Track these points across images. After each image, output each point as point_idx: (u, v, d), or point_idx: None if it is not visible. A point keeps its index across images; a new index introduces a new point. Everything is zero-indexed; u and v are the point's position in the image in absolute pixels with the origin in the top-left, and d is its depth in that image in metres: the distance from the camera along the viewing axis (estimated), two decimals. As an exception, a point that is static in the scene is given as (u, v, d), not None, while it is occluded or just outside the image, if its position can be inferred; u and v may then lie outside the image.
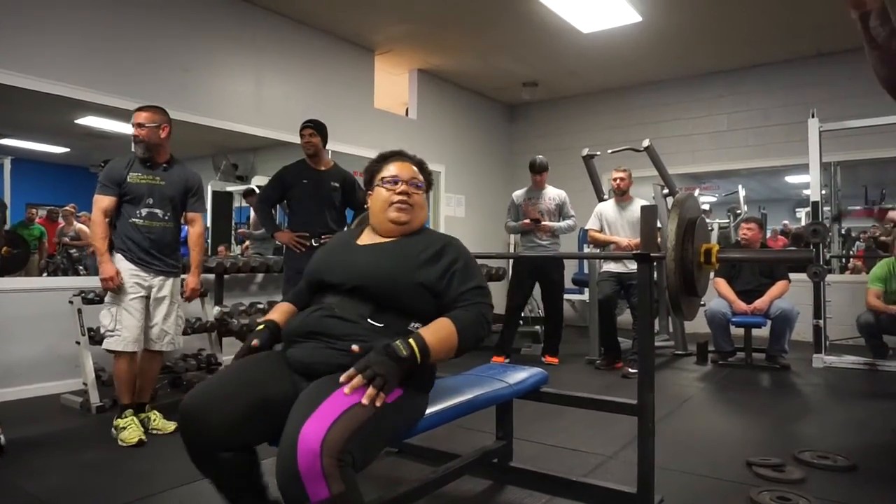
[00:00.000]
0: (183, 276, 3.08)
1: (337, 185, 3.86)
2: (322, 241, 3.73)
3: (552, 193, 4.88)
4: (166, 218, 2.94)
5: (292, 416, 1.25)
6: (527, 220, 4.76)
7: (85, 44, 3.98)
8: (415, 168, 1.73)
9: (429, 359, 1.40)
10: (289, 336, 1.57)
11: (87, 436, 2.88)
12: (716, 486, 2.25)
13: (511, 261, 5.98)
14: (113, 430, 2.78)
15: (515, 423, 2.30)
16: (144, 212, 2.87)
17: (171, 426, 2.89)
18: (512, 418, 2.28)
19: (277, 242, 4.22)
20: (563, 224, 4.81)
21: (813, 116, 4.81)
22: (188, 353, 3.85)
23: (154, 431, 2.87)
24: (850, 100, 5.74)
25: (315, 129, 3.79)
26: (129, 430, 2.73)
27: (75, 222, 5.24)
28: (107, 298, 2.87)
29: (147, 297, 2.90)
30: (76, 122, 4.39)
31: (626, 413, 1.95)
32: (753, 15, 5.25)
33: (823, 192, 5.05)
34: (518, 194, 4.97)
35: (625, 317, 4.99)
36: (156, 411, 2.99)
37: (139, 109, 2.90)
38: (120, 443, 2.70)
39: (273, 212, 4.07)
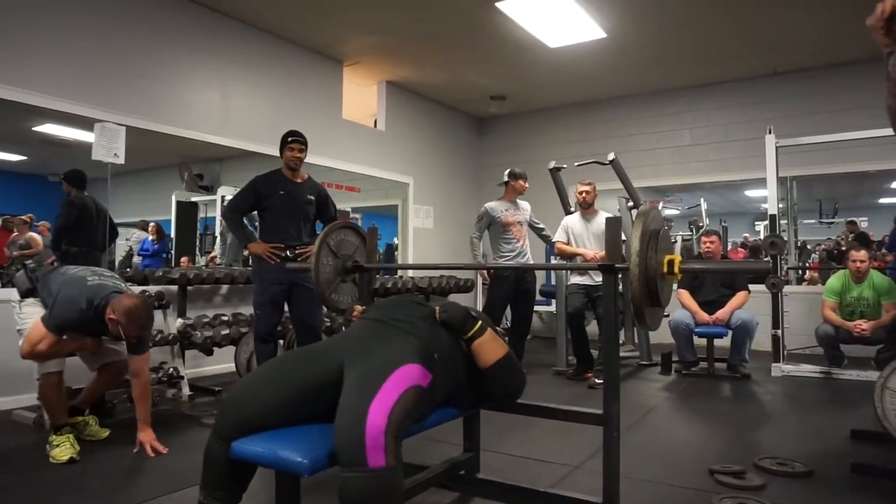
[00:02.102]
0: None
1: (312, 198, 3.78)
2: (296, 253, 3.65)
3: (524, 205, 4.90)
4: None
5: (355, 392, 1.48)
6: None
7: (47, 50, 3.88)
8: None
9: (482, 334, 1.80)
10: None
11: (40, 453, 2.76)
12: (679, 495, 2.30)
13: (478, 273, 6.01)
14: (47, 445, 2.70)
15: (483, 435, 2.30)
16: None
17: (104, 433, 2.95)
18: (479, 429, 2.28)
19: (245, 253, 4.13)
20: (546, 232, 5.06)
21: (770, 132, 4.98)
22: (149, 367, 3.74)
23: (88, 437, 2.90)
24: (805, 117, 5.97)
25: (304, 144, 3.74)
26: (62, 447, 2.65)
27: (27, 231, 5.06)
28: (19, 325, 2.83)
29: None
30: (34, 129, 4.26)
31: (592, 423, 1.96)
32: (714, 35, 5.42)
33: (781, 205, 5.21)
34: (494, 205, 4.75)
35: (591, 328, 5.04)
36: (93, 416, 2.99)
37: (133, 311, 2.59)
38: (51, 459, 2.63)
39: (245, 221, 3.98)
